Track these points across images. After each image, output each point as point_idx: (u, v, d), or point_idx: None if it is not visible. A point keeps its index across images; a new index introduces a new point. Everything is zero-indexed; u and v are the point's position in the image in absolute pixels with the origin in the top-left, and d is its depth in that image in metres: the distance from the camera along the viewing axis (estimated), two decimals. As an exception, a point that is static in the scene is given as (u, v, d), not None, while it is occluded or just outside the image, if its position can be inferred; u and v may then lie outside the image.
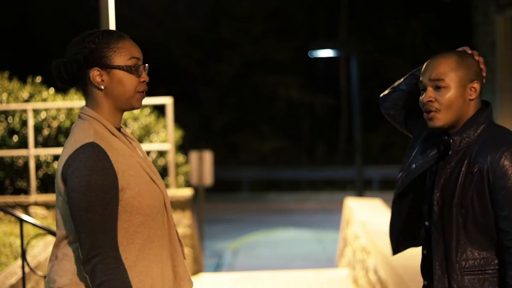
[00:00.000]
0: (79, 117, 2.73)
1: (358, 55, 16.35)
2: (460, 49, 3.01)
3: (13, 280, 5.54)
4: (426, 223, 3.00)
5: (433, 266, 2.94)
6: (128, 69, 2.70)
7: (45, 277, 5.55)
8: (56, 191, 2.70)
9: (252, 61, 30.66)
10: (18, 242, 6.68)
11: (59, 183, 2.65)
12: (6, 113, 9.51)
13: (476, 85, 2.93)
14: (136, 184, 2.65)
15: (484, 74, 2.98)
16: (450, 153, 2.92)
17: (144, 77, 2.74)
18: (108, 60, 2.68)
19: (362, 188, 15.99)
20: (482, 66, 2.96)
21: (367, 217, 9.02)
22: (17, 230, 7.21)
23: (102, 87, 2.69)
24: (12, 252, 6.54)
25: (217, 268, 13.12)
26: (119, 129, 2.77)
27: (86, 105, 2.75)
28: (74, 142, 2.63)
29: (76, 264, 2.65)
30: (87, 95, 2.74)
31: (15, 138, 9.46)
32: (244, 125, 30.53)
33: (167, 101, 9.70)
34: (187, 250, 9.33)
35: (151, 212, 2.68)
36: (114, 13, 8.58)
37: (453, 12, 27.07)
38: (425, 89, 2.96)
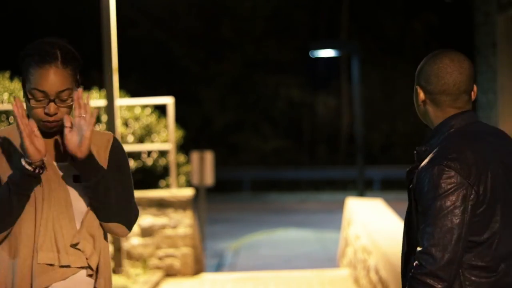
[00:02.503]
0: None
1: (359, 55, 16.35)
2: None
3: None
4: None
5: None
6: (27, 98, 2.75)
7: None
8: None
9: (253, 61, 30.66)
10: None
11: None
12: (7, 113, 9.51)
13: (418, 89, 2.84)
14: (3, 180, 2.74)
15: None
16: (415, 163, 2.82)
17: (48, 109, 2.74)
18: (24, 77, 2.77)
19: (363, 188, 16.00)
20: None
21: (368, 217, 9.02)
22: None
23: (23, 94, 2.79)
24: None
25: (218, 268, 13.12)
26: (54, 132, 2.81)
27: None
28: None
29: None
30: None
31: (16, 138, 9.45)
32: (245, 125, 30.53)
33: (168, 101, 9.70)
34: (188, 250, 9.34)
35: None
36: (115, 12, 8.58)
37: (454, 12, 27.06)
38: None
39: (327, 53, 17.50)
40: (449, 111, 2.80)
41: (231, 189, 26.37)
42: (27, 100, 2.75)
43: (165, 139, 10.14)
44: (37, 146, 2.67)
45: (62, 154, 2.83)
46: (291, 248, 14.61)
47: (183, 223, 9.34)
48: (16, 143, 2.78)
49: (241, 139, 30.18)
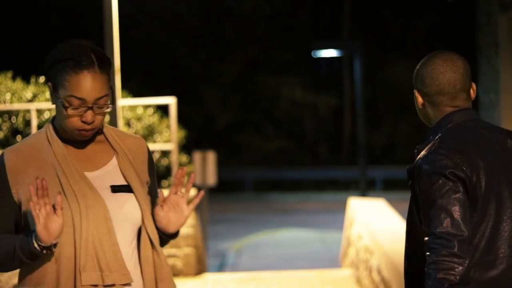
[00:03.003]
0: None
1: (361, 55, 16.33)
2: None
3: (16, 280, 5.54)
4: None
5: None
6: (63, 105, 2.59)
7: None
8: None
9: (255, 61, 30.67)
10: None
11: None
12: (9, 113, 9.52)
13: (416, 92, 2.86)
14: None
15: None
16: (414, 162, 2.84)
17: (85, 117, 2.60)
18: (56, 83, 2.61)
19: (366, 188, 15.97)
20: None
21: (371, 217, 9.01)
22: (20, 230, 7.22)
23: (52, 102, 2.66)
24: (15, 252, 6.54)
25: (221, 268, 13.12)
26: (88, 141, 2.69)
27: None
28: None
29: None
30: None
31: (19, 138, 9.46)
32: (247, 125, 30.53)
33: (170, 101, 9.70)
34: (190, 250, 9.33)
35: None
36: (118, 13, 8.58)
37: (456, 12, 27.04)
38: None
39: (329, 53, 17.47)
40: (447, 111, 2.82)
41: (233, 189, 26.37)
42: (62, 108, 2.59)
43: (168, 139, 10.14)
44: (52, 230, 2.48)
45: (94, 163, 2.70)
46: (293, 248, 14.61)
47: (185, 223, 9.33)
48: (33, 157, 2.65)
49: (243, 139, 30.18)
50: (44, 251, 2.51)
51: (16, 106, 9.29)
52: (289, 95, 30.74)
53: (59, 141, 2.66)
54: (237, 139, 30.13)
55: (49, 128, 2.68)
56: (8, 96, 9.57)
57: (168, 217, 2.68)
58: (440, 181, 2.65)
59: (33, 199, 2.46)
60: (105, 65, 2.64)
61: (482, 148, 2.74)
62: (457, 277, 2.59)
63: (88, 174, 2.66)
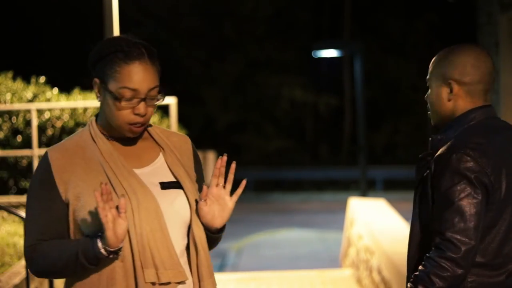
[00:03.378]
0: None
1: (362, 55, 16.31)
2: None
3: (17, 280, 5.54)
4: None
5: None
6: (115, 97, 2.51)
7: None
8: None
9: (255, 61, 30.67)
10: (22, 242, 6.68)
11: None
12: (10, 113, 9.52)
13: (452, 84, 2.79)
14: (86, 200, 2.50)
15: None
16: (429, 151, 2.82)
17: (138, 109, 2.53)
18: (105, 77, 2.53)
19: (366, 188, 15.95)
20: None
21: (371, 217, 9.01)
22: (21, 230, 7.22)
23: (99, 99, 2.58)
24: (16, 252, 6.54)
25: (221, 268, 13.11)
26: (130, 138, 2.61)
27: None
28: None
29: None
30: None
31: (19, 138, 9.47)
32: (247, 125, 30.54)
33: (171, 101, 9.70)
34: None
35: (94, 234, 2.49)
36: (118, 12, 8.58)
37: (456, 12, 27.05)
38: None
39: (330, 53, 17.46)
40: (479, 103, 2.81)
41: (234, 189, 26.22)
42: (114, 101, 2.51)
43: (168, 139, 10.13)
44: (119, 234, 2.41)
45: (141, 160, 2.63)
46: (293, 248, 14.60)
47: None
48: (77, 157, 2.57)
49: (244, 139, 30.18)
50: (111, 256, 2.44)
51: (17, 106, 9.29)
52: (290, 95, 30.75)
53: (104, 138, 2.59)
54: (238, 139, 30.14)
55: (92, 125, 2.61)
56: (8, 96, 9.57)
57: (212, 212, 2.61)
58: (462, 183, 2.63)
59: (99, 205, 2.38)
60: (154, 56, 2.60)
61: (504, 150, 2.73)
62: (447, 284, 2.60)
63: (137, 171, 2.59)
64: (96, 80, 2.56)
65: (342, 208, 13.95)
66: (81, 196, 2.51)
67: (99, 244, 2.42)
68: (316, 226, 17.53)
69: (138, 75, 2.51)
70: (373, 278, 7.45)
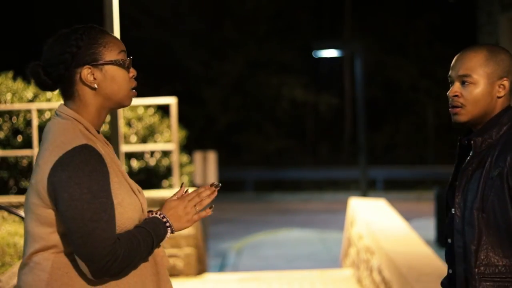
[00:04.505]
0: (57, 115, 2.53)
1: (362, 54, 16.33)
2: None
3: (16, 280, 5.54)
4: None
5: (457, 271, 2.86)
6: (121, 64, 2.53)
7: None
8: (32, 196, 2.47)
9: (256, 61, 30.68)
10: (22, 242, 6.69)
11: (42, 187, 2.42)
12: (10, 113, 9.52)
13: (506, 82, 2.82)
14: (119, 193, 2.47)
15: None
16: (471, 154, 2.82)
17: (133, 71, 2.58)
18: (98, 57, 2.51)
19: (366, 188, 15.97)
20: None
21: (371, 217, 9.01)
22: (21, 230, 7.22)
23: (95, 85, 2.50)
24: (16, 252, 6.55)
25: (221, 268, 13.11)
26: (98, 132, 2.58)
27: (66, 105, 2.54)
28: (62, 143, 2.42)
29: (49, 273, 2.46)
30: (72, 96, 2.52)
31: (20, 138, 9.47)
32: (248, 125, 30.55)
33: (171, 101, 9.70)
34: (191, 250, 9.34)
35: (130, 226, 2.49)
36: (118, 13, 8.58)
37: (457, 12, 27.05)
38: (452, 83, 2.88)
39: (330, 53, 17.49)
40: (507, 101, 2.87)
41: (234, 189, 26.36)
42: (120, 69, 2.55)
43: (168, 139, 10.14)
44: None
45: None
46: (294, 248, 14.60)
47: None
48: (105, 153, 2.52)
49: (244, 139, 30.19)
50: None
51: (17, 106, 9.29)
52: (290, 95, 30.76)
53: (99, 135, 2.58)
54: (238, 139, 30.14)
55: (81, 121, 2.51)
56: (9, 96, 9.57)
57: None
58: None
59: (192, 202, 2.64)
60: None
61: None
62: None
63: None
64: (87, 67, 2.50)
65: (342, 208, 13.96)
66: (116, 193, 2.48)
67: (168, 229, 2.58)
68: (316, 226, 17.53)
69: (118, 39, 2.57)
70: (373, 278, 7.45)
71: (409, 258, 6.23)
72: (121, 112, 8.86)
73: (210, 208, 2.73)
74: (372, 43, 29.24)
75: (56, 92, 11.08)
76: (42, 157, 2.44)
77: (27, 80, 10.29)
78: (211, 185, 2.69)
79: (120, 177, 2.51)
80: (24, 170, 9.48)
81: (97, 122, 2.55)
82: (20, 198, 9.02)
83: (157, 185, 10.04)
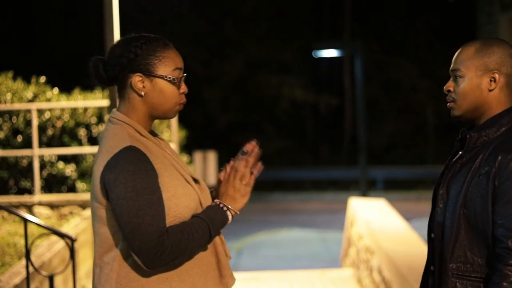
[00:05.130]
0: (110, 121, 2.67)
1: (362, 55, 16.33)
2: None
3: (17, 280, 5.54)
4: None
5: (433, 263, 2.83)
6: (172, 81, 2.65)
7: (50, 277, 5.56)
8: (93, 200, 2.63)
9: (256, 61, 30.67)
10: (22, 242, 6.69)
11: (97, 190, 2.58)
12: (10, 113, 9.52)
13: (496, 75, 2.77)
14: (172, 185, 2.59)
15: None
16: (464, 149, 2.79)
17: (184, 88, 2.70)
18: (152, 68, 2.65)
19: (366, 188, 15.98)
20: None
21: (371, 217, 9.01)
22: (21, 230, 7.22)
23: (142, 93, 2.64)
24: (16, 252, 6.55)
25: (221, 268, 13.10)
26: (150, 133, 2.72)
27: (118, 108, 2.69)
28: (110, 147, 2.57)
29: (117, 271, 2.60)
30: (123, 98, 2.68)
31: (19, 138, 9.47)
32: (248, 125, 30.54)
33: (171, 101, 9.68)
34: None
35: (188, 215, 2.61)
36: (118, 13, 8.59)
37: (457, 12, 27.06)
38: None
39: (330, 53, 17.50)
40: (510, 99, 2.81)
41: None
42: (170, 85, 2.65)
43: (168, 139, 10.13)
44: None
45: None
46: (294, 248, 14.60)
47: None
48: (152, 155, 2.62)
49: (244, 139, 30.10)
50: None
51: (17, 106, 9.30)
52: (290, 95, 30.75)
53: (148, 134, 2.69)
54: (238, 139, 30.11)
55: (130, 122, 2.64)
56: (8, 96, 9.57)
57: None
58: None
59: (246, 175, 2.76)
60: None
61: None
62: None
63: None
64: (138, 74, 2.63)
65: (342, 208, 13.96)
66: (168, 186, 2.59)
67: (228, 213, 2.68)
68: (316, 226, 17.53)
69: (179, 56, 2.73)
70: (373, 278, 7.45)
71: (409, 258, 6.24)
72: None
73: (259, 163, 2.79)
74: (372, 43, 29.23)
75: (56, 92, 11.06)
76: (96, 163, 2.61)
77: (27, 80, 10.29)
78: (241, 153, 2.77)
79: (172, 170, 2.61)
80: (24, 170, 9.48)
81: (144, 125, 2.68)
82: (20, 198, 9.02)
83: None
